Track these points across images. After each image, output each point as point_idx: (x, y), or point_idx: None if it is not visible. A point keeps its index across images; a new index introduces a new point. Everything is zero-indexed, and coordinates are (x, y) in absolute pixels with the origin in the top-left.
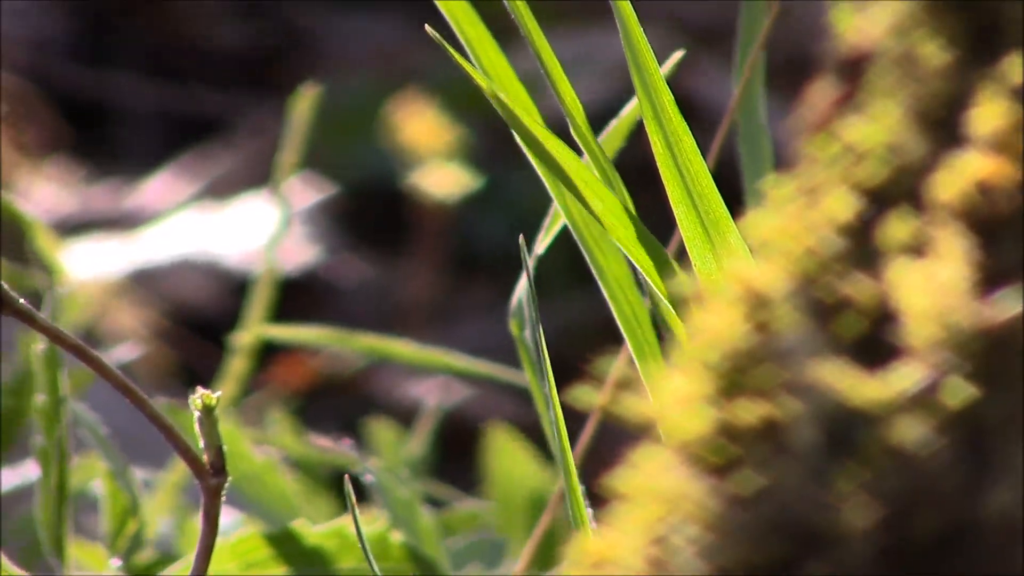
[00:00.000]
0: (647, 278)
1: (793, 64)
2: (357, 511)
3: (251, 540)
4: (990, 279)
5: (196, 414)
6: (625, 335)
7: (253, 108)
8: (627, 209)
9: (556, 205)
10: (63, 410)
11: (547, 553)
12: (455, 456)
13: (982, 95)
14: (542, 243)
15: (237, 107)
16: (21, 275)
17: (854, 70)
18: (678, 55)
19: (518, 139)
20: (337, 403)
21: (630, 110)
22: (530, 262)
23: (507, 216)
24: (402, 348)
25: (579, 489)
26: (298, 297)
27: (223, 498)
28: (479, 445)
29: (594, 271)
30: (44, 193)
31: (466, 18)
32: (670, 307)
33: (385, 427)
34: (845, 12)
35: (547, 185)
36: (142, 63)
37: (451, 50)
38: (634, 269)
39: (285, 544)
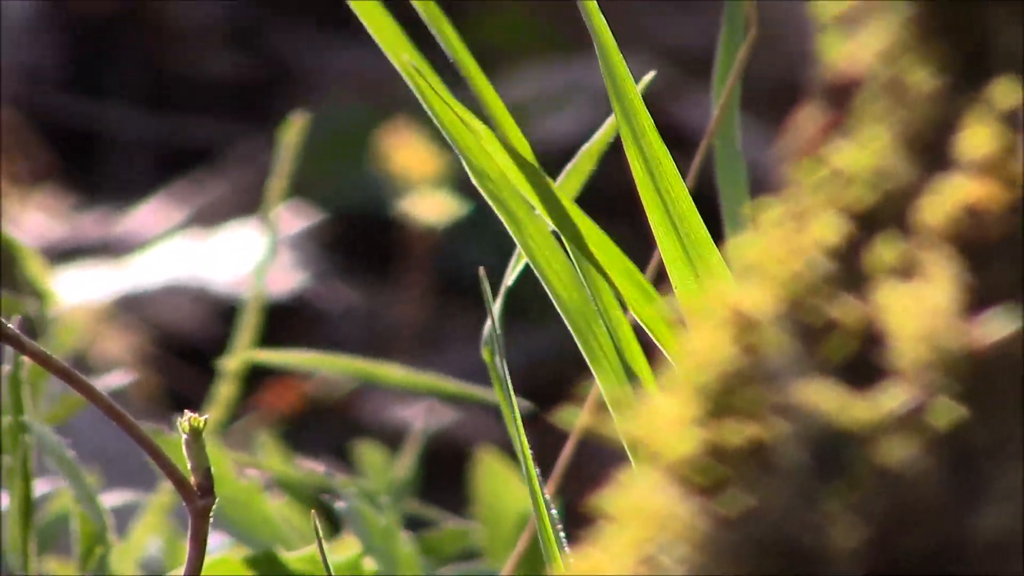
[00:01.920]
0: (628, 301)
1: (781, 90)
2: (333, 538)
3: (227, 563)
4: (979, 302)
5: (184, 437)
6: (590, 364)
7: (242, 137)
8: (604, 232)
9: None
10: (27, 429)
11: (533, 573)
12: (443, 478)
13: (971, 120)
14: (511, 275)
15: (226, 136)
16: (11, 300)
17: (842, 96)
18: (651, 74)
19: (471, 176)
20: (325, 426)
21: (600, 136)
22: (500, 290)
23: (494, 242)
24: (390, 372)
25: (551, 516)
26: (286, 322)
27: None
28: (467, 467)
29: (555, 303)
30: (34, 220)
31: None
32: (651, 330)
33: (373, 450)
34: (833, 39)
35: (501, 217)
36: (132, 92)
37: (427, 82)
38: (598, 298)
39: (261, 568)
